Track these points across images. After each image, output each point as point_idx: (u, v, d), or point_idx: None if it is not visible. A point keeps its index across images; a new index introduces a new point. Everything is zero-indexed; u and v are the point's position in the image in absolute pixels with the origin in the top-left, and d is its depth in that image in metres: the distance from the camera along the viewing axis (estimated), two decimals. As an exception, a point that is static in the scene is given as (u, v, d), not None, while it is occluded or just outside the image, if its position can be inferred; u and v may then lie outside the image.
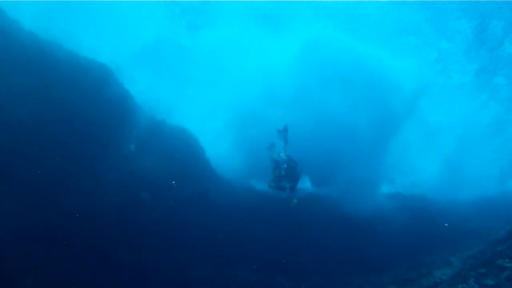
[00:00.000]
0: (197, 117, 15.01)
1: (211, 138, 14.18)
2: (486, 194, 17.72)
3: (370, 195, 14.54)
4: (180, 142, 12.11)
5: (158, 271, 9.38)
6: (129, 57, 13.77)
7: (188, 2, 15.23)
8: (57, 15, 11.40)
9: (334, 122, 14.55)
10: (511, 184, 20.90)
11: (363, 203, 13.29)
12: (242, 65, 16.36)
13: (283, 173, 9.93)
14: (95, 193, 9.02)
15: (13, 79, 8.46)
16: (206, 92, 16.52)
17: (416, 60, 17.16)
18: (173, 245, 9.92)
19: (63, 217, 8.28)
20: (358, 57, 15.45)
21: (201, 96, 16.40)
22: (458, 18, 14.72)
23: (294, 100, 14.91)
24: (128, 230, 9.25)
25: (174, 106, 13.94)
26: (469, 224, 13.15)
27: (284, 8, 15.47)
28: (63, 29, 10.74)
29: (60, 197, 8.48)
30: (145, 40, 15.23)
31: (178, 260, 9.83)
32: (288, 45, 15.99)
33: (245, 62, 16.39)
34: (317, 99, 15.05)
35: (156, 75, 14.87)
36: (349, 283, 10.19)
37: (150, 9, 15.15)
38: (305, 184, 14.67)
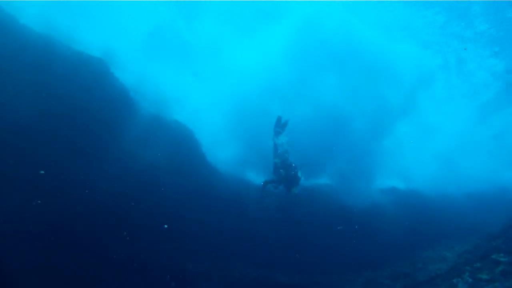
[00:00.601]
0: (195, 110, 14.98)
1: (209, 132, 14.17)
2: (481, 189, 17.84)
3: (364, 189, 14.56)
4: (179, 136, 12.10)
5: (157, 265, 9.42)
6: (126, 51, 13.68)
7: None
8: (54, 9, 11.28)
9: (330, 112, 14.48)
10: (506, 179, 21.05)
11: (358, 197, 13.34)
12: (238, 57, 16.30)
13: (282, 176, 10.12)
14: (95, 188, 9.02)
15: (12, 75, 8.40)
16: (204, 85, 16.48)
17: (419, 46, 16.81)
18: (172, 239, 9.96)
19: (63, 212, 8.28)
20: (355, 40, 15.05)
21: (198, 89, 16.35)
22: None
23: (290, 90, 14.83)
24: (127, 225, 9.26)
25: (172, 100, 13.90)
26: (464, 219, 13.29)
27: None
28: (60, 23, 10.65)
29: (60, 193, 8.47)
30: (142, 33, 15.14)
31: (177, 254, 9.87)
32: (283, 30, 15.78)
33: (241, 53, 16.34)
34: (313, 87, 14.91)
35: (154, 69, 14.80)
36: (345, 278, 10.28)
37: (146, 2, 15.04)
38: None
